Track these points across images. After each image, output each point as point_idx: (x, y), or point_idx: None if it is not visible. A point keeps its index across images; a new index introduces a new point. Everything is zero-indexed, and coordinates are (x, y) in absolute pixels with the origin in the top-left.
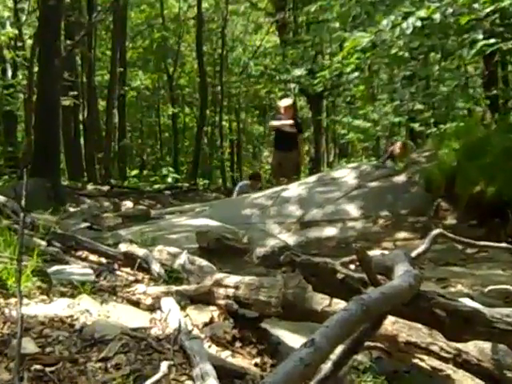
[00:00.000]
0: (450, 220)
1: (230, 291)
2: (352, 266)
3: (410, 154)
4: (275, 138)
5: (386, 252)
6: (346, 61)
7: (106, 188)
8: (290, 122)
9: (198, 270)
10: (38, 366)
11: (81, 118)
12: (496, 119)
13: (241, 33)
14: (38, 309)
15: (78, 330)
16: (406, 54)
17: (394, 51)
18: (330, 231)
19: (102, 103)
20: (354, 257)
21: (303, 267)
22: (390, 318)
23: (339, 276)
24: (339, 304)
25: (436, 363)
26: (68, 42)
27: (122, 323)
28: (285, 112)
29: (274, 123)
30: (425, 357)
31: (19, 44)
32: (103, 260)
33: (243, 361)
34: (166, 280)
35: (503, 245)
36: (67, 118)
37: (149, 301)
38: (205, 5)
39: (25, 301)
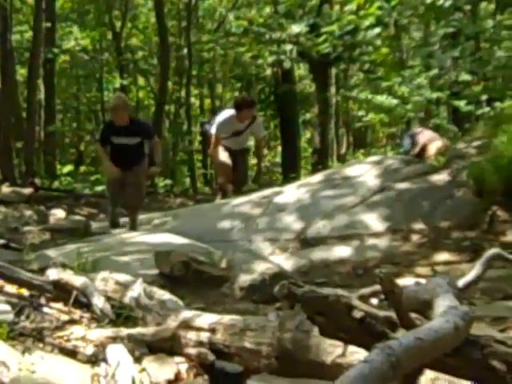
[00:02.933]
0: (511, 236)
1: (204, 336)
2: (374, 301)
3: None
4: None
5: (423, 281)
6: (364, 11)
7: (27, 191)
8: None
9: (159, 305)
10: None
11: None
12: None
13: None
14: None
15: None
16: (448, 3)
17: None
18: (343, 252)
19: (21, 71)
20: (377, 287)
21: (306, 302)
22: (429, 374)
23: (357, 314)
24: (357, 354)
25: None
26: None
27: (52, 381)
28: (115, 116)
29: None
30: None
31: None
32: (25, 292)
33: None
34: (114, 320)
35: None
36: None
37: (89, 349)
38: None
39: None
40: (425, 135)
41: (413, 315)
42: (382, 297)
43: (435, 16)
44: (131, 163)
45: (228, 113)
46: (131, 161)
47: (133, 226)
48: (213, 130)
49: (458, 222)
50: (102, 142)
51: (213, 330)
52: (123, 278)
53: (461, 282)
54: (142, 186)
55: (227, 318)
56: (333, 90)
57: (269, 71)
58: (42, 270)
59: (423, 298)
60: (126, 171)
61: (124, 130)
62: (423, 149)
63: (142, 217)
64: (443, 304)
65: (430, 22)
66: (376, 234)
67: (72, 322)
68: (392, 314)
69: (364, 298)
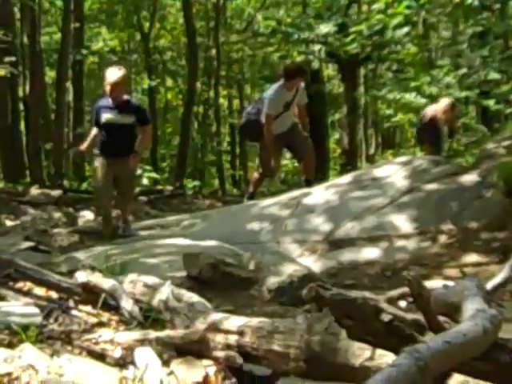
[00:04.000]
0: None
1: (232, 338)
2: (403, 303)
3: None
4: (101, 136)
5: (451, 283)
6: (392, 10)
7: (56, 193)
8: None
9: (187, 308)
10: None
11: (21, 93)
12: None
13: None
14: None
15: None
16: (476, 2)
17: None
18: (371, 253)
19: (50, 73)
20: (406, 290)
21: (334, 305)
22: (457, 378)
23: (385, 317)
24: (385, 357)
25: None
26: None
27: None
28: (113, 91)
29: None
30: None
31: None
32: (53, 294)
33: None
34: (142, 323)
35: None
36: (2, 94)
37: (118, 352)
38: None
39: None
40: (429, 109)
41: (441, 318)
42: (411, 299)
43: (464, 15)
44: (124, 149)
45: (275, 86)
46: (124, 146)
47: (125, 229)
48: (267, 109)
49: (487, 223)
50: (95, 124)
51: (241, 333)
52: (151, 280)
53: (489, 285)
54: (133, 179)
55: (255, 321)
56: (361, 90)
57: None
58: (70, 273)
59: (451, 301)
60: (117, 160)
61: (118, 107)
62: (432, 118)
63: (170, 218)
64: (472, 307)
65: (459, 20)
66: (405, 236)
67: (100, 324)
68: (420, 316)
69: (392, 301)
